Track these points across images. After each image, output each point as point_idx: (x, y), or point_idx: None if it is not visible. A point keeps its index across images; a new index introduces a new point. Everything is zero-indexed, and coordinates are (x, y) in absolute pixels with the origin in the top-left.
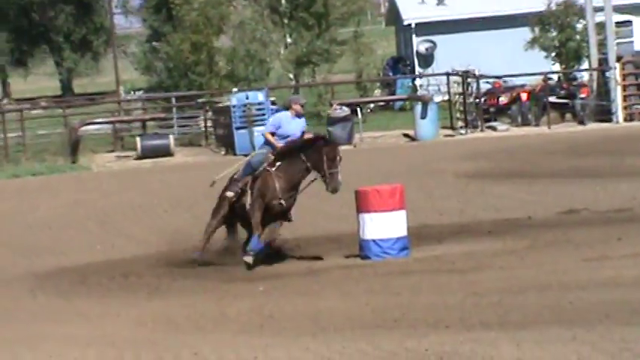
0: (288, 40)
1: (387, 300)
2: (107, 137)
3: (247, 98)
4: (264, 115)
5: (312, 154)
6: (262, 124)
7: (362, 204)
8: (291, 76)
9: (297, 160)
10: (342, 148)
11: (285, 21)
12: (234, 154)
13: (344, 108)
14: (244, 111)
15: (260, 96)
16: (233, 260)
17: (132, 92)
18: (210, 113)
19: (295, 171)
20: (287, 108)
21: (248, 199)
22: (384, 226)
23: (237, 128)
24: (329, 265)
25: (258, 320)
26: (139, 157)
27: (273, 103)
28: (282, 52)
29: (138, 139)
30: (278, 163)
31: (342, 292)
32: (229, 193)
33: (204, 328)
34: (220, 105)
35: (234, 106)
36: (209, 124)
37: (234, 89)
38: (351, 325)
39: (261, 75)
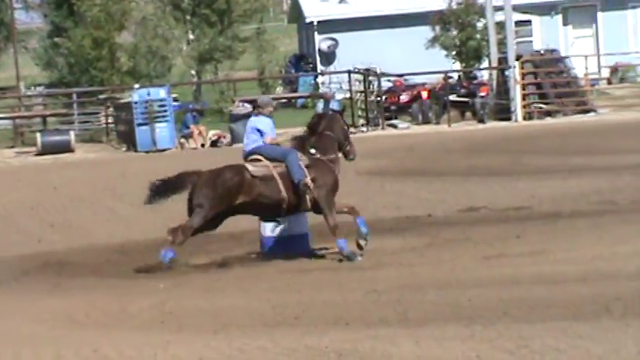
0: (191, 36)
1: (288, 297)
2: (7, 133)
3: (149, 95)
4: (165, 111)
5: (337, 129)
6: (164, 121)
7: None
8: (194, 72)
9: (329, 138)
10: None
11: (188, 17)
12: (136, 151)
13: (246, 105)
14: (146, 107)
15: (162, 92)
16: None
17: (32, 88)
18: (111, 109)
19: (333, 149)
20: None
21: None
22: (286, 223)
23: (139, 125)
24: (230, 261)
25: (159, 317)
26: (39, 154)
27: (175, 99)
28: (184, 49)
29: (38, 135)
30: (313, 150)
31: (243, 289)
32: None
33: (105, 325)
34: (122, 101)
35: (135, 103)
36: (110, 120)
37: (136, 85)
38: (252, 322)
39: (163, 71)
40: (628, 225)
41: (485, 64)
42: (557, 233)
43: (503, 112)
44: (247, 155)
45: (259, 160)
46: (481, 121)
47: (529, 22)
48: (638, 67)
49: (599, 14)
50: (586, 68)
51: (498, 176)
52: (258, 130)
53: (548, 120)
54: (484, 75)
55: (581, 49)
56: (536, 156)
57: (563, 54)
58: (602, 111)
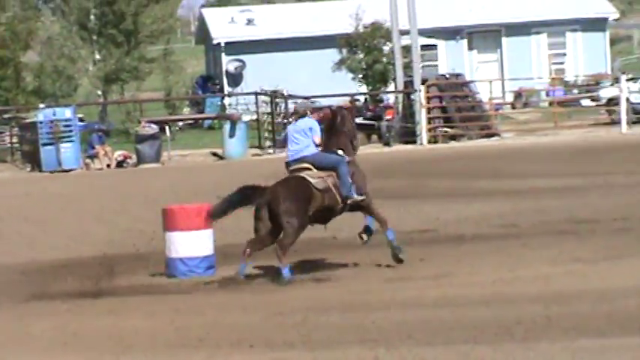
0: (97, 56)
1: (192, 319)
2: None
3: (54, 114)
4: (71, 131)
5: (349, 125)
6: (69, 141)
7: (168, 222)
8: (100, 92)
9: (347, 136)
10: (150, 166)
11: (94, 37)
12: (40, 171)
13: (152, 126)
14: (51, 127)
15: (67, 112)
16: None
17: None
18: (16, 129)
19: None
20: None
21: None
22: (191, 244)
23: (44, 144)
24: (134, 283)
25: (62, 339)
26: None
27: (80, 119)
28: (90, 69)
29: None
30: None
31: (147, 311)
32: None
33: (7, 347)
34: (27, 121)
35: (40, 122)
36: (15, 140)
37: (41, 105)
38: (155, 344)
39: (68, 91)
40: (530, 249)
41: (391, 87)
42: (461, 256)
43: (409, 136)
44: (294, 162)
45: (307, 169)
46: (387, 144)
47: (435, 46)
48: (541, 91)
49: (504, 39)
50: (490, 92)
51: (403, 199)
52: (310, 130)
53: (453, 144)
54: (390, 98)
55: (486, 73)
56: (441, 179)
57: (468, 78)
58: (505, 135)
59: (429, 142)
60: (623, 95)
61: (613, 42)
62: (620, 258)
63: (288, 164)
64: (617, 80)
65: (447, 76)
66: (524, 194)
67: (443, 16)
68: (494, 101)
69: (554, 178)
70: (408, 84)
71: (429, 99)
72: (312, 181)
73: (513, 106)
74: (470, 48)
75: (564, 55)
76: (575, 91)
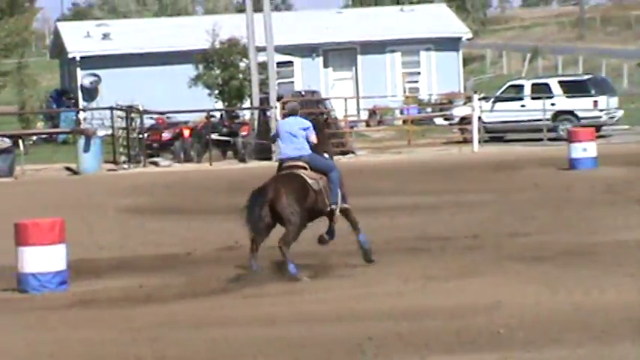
0: None
1: (43, 335)
2: None
3: None
4: None
5: (325, 132)
6: None
7: (21, 237)
8: None
9: (326, 142)
10: (3, 180)
11: None
12: None
13: (5, 139)
14: None
15: None
16: None
17: None
18: None
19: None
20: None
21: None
22: (43, 259)
23: None
24: None
25: None
26: None
27: None
28: None
29: None
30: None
31: None
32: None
33: None
34: None
35: None
36: None
37: None
38: (6, 359)
39: None
40: (382, 265)
41: (247, 103)
42: (315, 273)
43: (265, 152)
44: (290, 160)
45: (303, 168)
46: (242, 160)
47: (291, 63)
48: (395, 109)
49: (359, 57)
50: (345, 110)
51: None
52: (304, 129)
53: None
54: (246, 114)
55: (341, 91)
56: None
57: (323, 95)
58: (360, 152)
59: None
60: (476, 114)
61: (466, 61)
62: (470, 275)
63: (282, 161)
64: (469, 99)
65: (303, 93)
66: (378, 211)
67: (299, 33)
68: (349, 119)
69: (407, 195)
70: (264, 100)
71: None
72: (309, 180)
73: (368, 124)
74: (326, 65)
75: (418, 73)
76: (429, 109)
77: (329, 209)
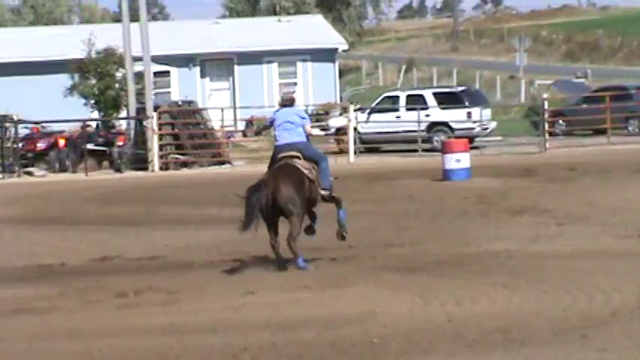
0: None
1: None
2: None
3: None
4: None
5: None
6: None
7: None
8: None
9: None
10: None
11: None
12: None
13: None
14: None
15: None
16: None
17: None
18: None
19: None
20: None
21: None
22: None
23: None
24: None
25: None
26: None
27: None
28: None
29: None
30: None
31: None
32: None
33: None
34: None
35: None
36: None
37: None
38: None
39: None
40: (258, 275)
41: (123, 113)
42: (189, 283)
43: (141, 162)
44: (287, 146)
45: (297, 157)
46: (118, 170)
47: (168, 73)
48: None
49: (236, 67)
50: (222, 120)
51: (134, 226)
52: (301, 118)
53: (185, 171)
54: (122, 124)
55: (218, 101)
56: (172, 206)
57: (200, 106)
58: (237, 163)
59: (161, 168)
60: (352, 125)
61: (342, 72)
62: (345, 286)
63: (279, 148)
64: (345, 110)
65: (180, 103)
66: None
67: (176, 43)
68: (226, 129)
69: None
70: (141, 110)
71: (160, 126)
72: (305, 170)
73: (245, 134)
74: (203, 75)
75: (295, 84)
76: None
77: (320, 195)
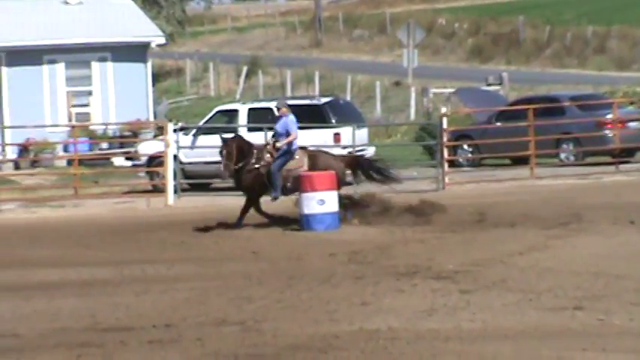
0: None
1: None
2: None
3: None
4: None
5: None
6: None
7: None
8: None
9: None
10: None
11: None
12: None
13: None
14: None
15: None
16: None
17: None
18: None
19: None
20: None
21: None
22: None
23: None
24: None
25: None
26: None
27: None
28: None
29: None
30: None
31: None
32: None
33: None
34: None
35: None
36: None
37: None
38: None
39: None
40: None
41: None
42: None
43: None
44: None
45: None
46: None
47: None
48: (58, 145)
49: (3, 70)
50: None
51: None
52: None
53: None
54: None
55: None
56: None
57: None
58: (5, 206)
59: None
60: (171, 152)
61: (158, 77)
62: None
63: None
64: (162, 131)
65: None
66: (31, 291)
67: None
68: None
69: (73, 268)
70: None
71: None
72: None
73: (17, 166)
74: None
75: (90, 93)
76: (105, 145)
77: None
